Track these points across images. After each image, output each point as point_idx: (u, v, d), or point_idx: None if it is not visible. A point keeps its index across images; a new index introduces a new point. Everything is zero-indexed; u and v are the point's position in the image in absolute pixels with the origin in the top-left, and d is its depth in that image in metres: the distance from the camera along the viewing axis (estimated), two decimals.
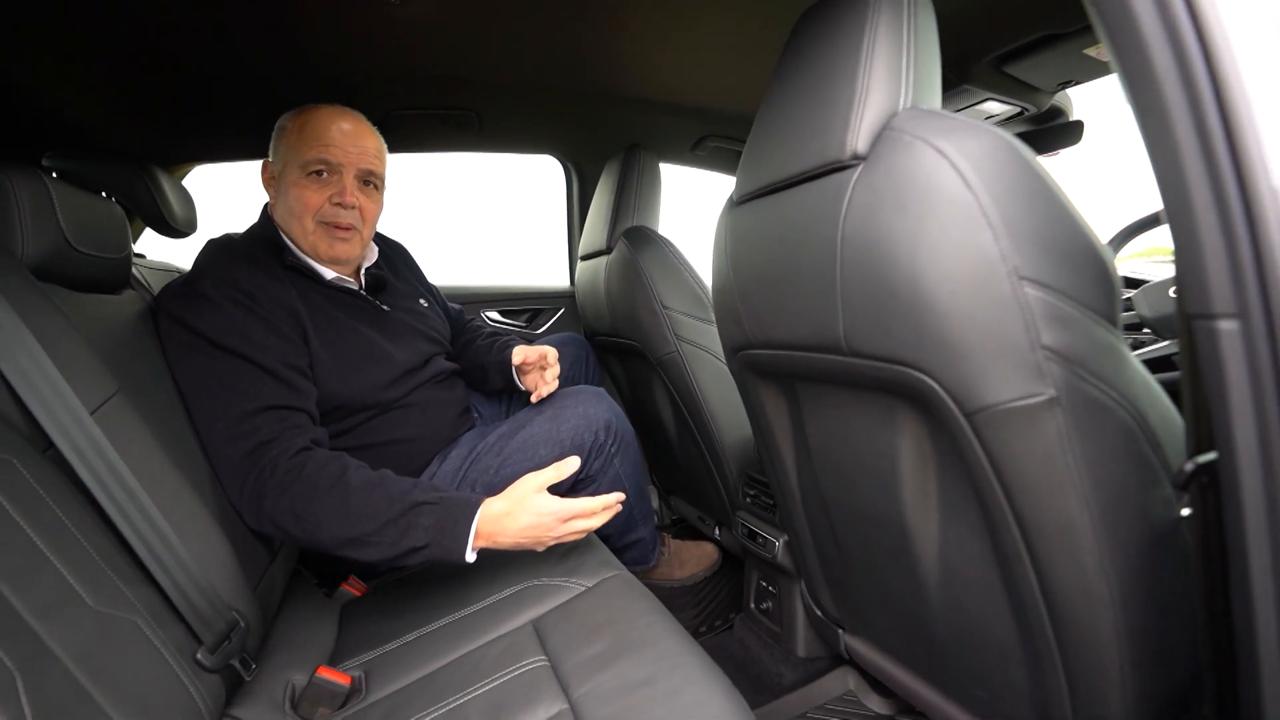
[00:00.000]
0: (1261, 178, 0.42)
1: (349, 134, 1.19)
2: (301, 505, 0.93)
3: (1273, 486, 0.43)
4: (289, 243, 1.20)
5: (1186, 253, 0.46)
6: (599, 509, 1.00)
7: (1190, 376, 0.49)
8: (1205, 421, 0.48)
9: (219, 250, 1.14)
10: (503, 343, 1.46)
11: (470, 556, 0.94)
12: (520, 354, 1.38)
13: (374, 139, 1.24)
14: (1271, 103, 0.43)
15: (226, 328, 1.02)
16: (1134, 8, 0.45)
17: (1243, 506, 0.45)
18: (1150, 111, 0.46)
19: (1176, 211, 0.46)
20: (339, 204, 1.18)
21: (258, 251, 1.16)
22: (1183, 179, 0.45)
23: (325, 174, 1.17)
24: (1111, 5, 0.46)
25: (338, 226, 1.19)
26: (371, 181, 1.24)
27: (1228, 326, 0.44)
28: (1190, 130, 0.44)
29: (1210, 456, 0.48)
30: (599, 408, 1.30)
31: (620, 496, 1.03)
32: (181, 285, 1.07)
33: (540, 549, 0.99)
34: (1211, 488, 0.49)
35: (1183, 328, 0.48)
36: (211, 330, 1.01)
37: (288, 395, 1.03)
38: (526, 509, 0.96)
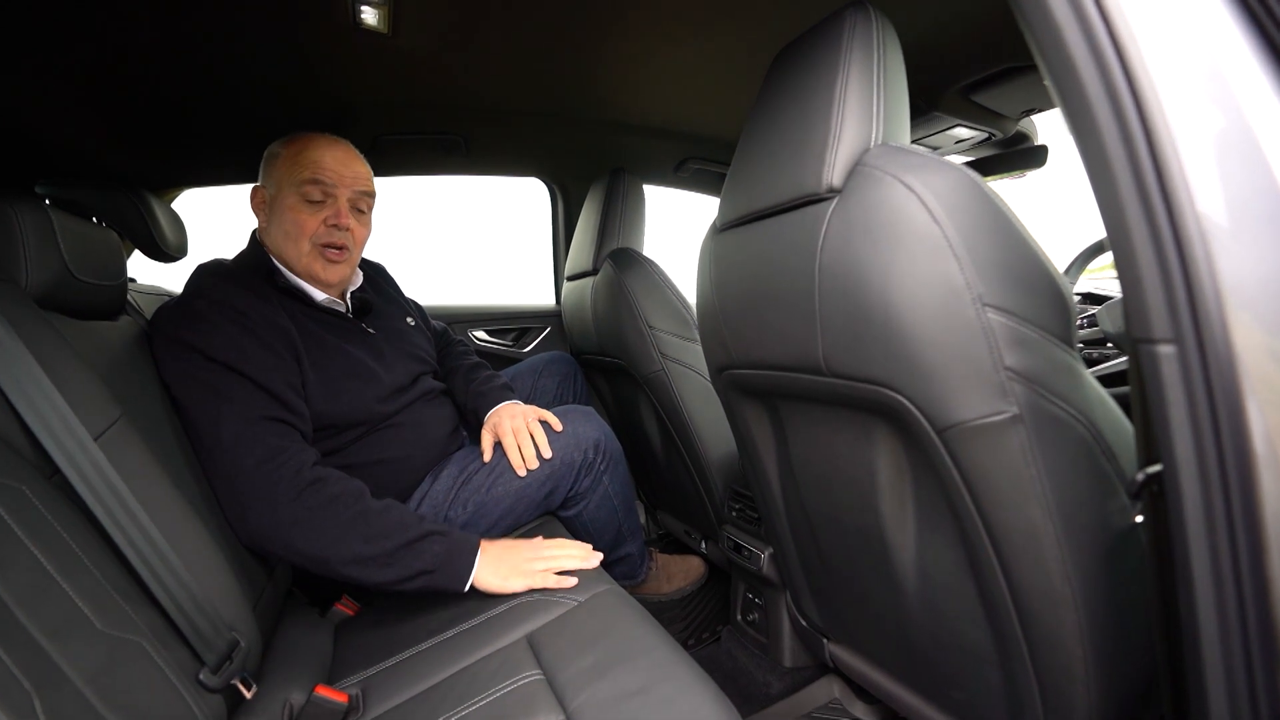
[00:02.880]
0: (1187, 205, 0.47)
1: (341, 159, 1.23)
2: (319, 519, 0.98)
3: (1209, 495, 0.48)
4: (280, 266, 1.23)
5: (1129, 283, 0.50)
6: (574, 548, 1.13)
7: (1138, 394, 0.54)
8: (1153, 434, 0.52)
9: (210, 273, 1.17)
10: (478, 385, 1.44)
11: (468, 585, 1.04)
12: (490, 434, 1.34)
13: (364, 165, 1.29)
14: (1193, 141, 0.48)
15: (222, 344, 1.04)
16: (1076, 62, 0.50)
17: (1184, 514, 0.49)
18: (1092, 153, 0.51)
19: (1119, 245, 0.51)
20: (334, 225, 1.21)
21: (248, 275, 1.19)
22: (1122, 216, 0.49)
23: (320, 197, 1.21)
24: (1057, 57, 0.51)
25: (332, 247, 1.22)
26: (360, 205, 1.27)
27: (1166, 351, 0.48)
28: (1127, 171, 0.49)
29: (1157, 468, 0.52)
30: (589, 427, 1.33)
31: (598, 559, 1.15)
32: (176, 305, 1.10)
33: (516, 581, 1.06)
34: (1161, 496, 0.53)
35: (1130, 350, 0.53)
36: (208, 346, 1.03)
37: (285, 411, 1.06)
38: (512, 545, 1.11)
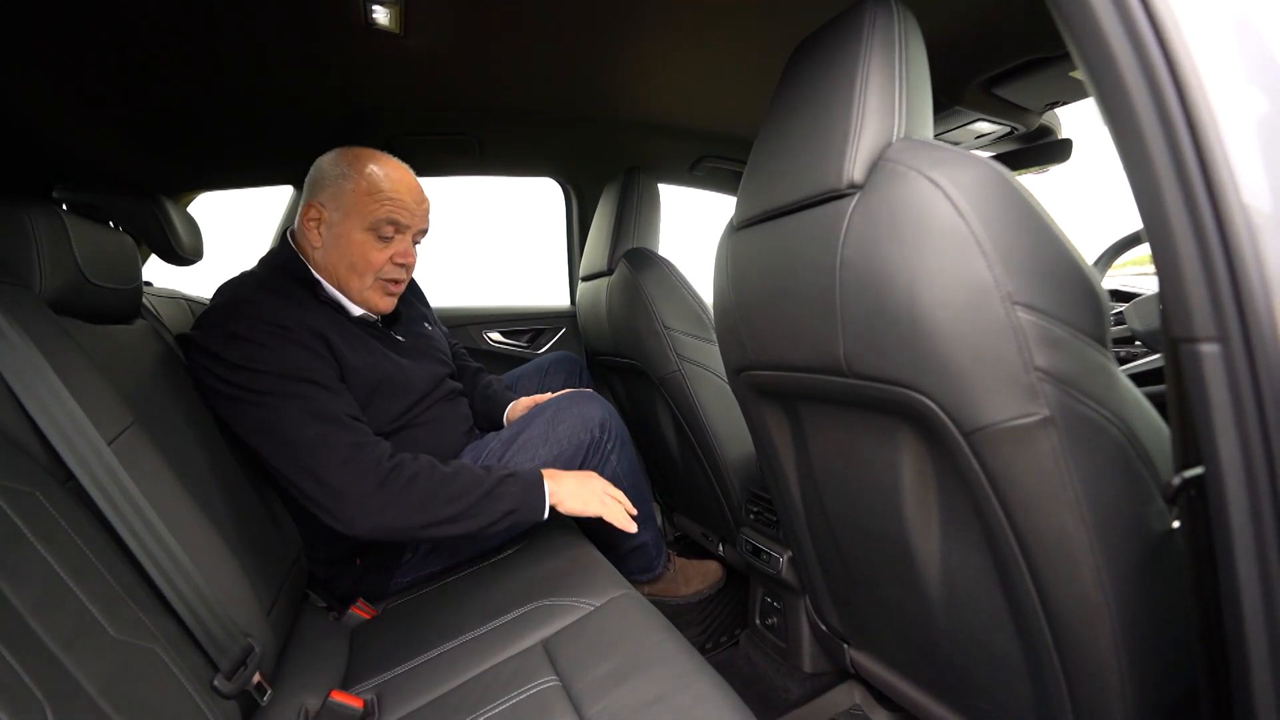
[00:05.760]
0: (1232, 195, 0.44)
1: (416, 195, 1.23)
2: (406, 497, 1.04)
3: (1257, 500, 0.45)
4: (321, 279, 1.22)
5: (1169, 279, 0.48)
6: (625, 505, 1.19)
7: (1176, 394, 0.51)
8: (1191, 437, 0.50)
9: (243, 288, 1.15)
10: (484, 388, 1.58)
11: (545, 513, 1.12)
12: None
13: (428, 197, 1.28)
14: (1237, 127, 0.45)
15: (278, 360, 1.04)
16: (1111, 45, 0.48)
17: (1229, 520, 0.47)
18: (1129, 141, 0.48)
19: (1157, 239, 0.48)
20: (401, 264, 1.22)
21: (285, 284, 1.18)
22: (1161, 208, 0.47)
23: (393, 235, 1.21)
24: (1091, 41, 0.49)
25: (393, 282, 1.23)
26: (419, 238, 1.29)
27: (1209, 349, 0.46)
28: (1167, 160, 0.46)
29: (1197, 471, 0.50)
30: (593, 407, 1.33)
31: (632, 524, 1.18)
32: (216, 329, 1.07)
33: (595, 505, 1.15)
34: (1200, 501, 0.50)
35: (1168, 349, 0.51)
36: (266, 364, 1.03)
37: (349, 405, 1.08)
38: (584, 476, 1.19)
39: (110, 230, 1.03)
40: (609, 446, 1.34)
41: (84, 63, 1.11)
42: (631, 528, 1.17)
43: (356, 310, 1.24)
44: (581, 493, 1.15)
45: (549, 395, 1.45)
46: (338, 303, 1.22)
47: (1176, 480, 0.52)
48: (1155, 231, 0.48)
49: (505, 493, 1.09)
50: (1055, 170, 1.74)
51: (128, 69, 1.17)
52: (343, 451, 1.02)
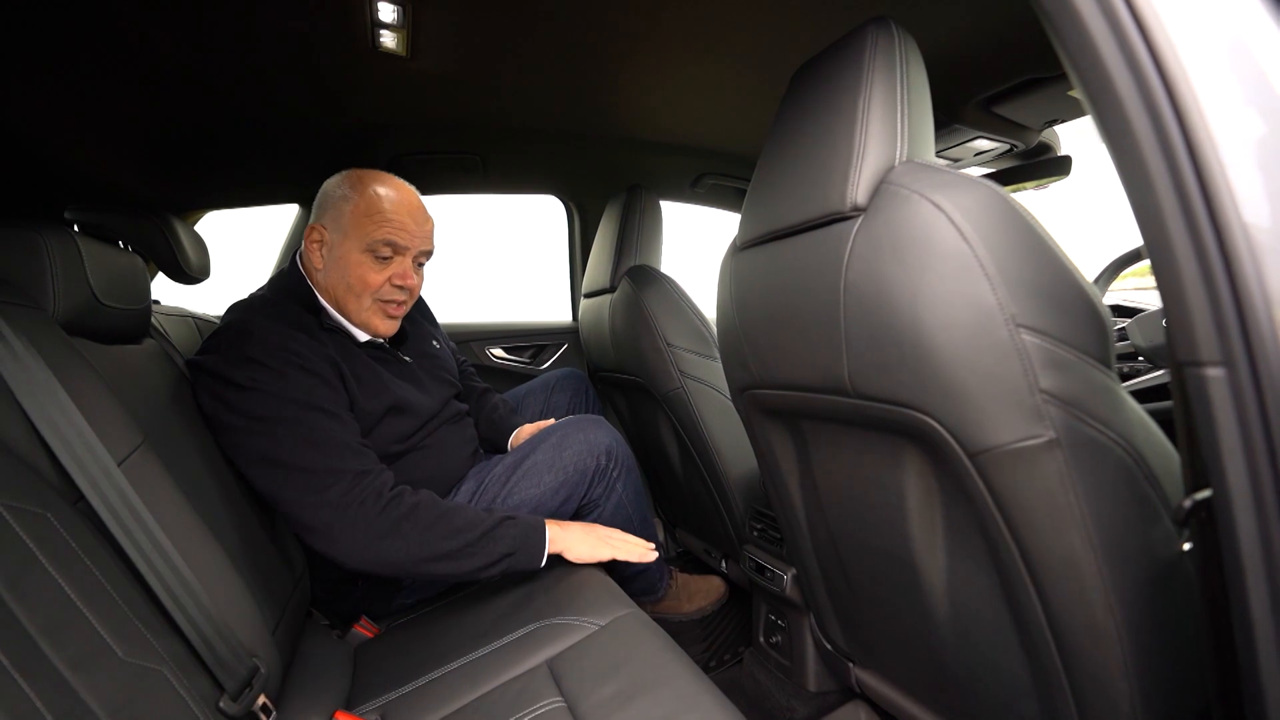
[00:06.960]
0: (1233, 215, 0.45)
1: (417, 216, 1.22)
2: (405, 528, 1.03)
3: (1265, 523, 0.45)
4: (326, 305, 1.22)
5: (1172, 302, 0.48)
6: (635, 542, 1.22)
7: (1183, 417, 0.51)
8: (1199, 459, 0.50)
9: (254, 312, 1.14)
10: (490, 411, 1.58)
11: (543, 560, 1.13)
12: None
13: (432, 219, 1.27)
14: (1235, 148, 0.46)
15: (289, 386, 1.04)
16: (1109, 69, 0.48)
17: (1239, 543, 0.47)
18: (1128, 163, 0.49)
19: (1160, 262, 0.48)
20: (400, 285, 1.21)
21: (294, 310, 1.18)
22: (1164, 232, 0.47)
23: (390, 255, 1.20)
24: (1088, 65, 0.50)
25: (393, 304, 1.23)
26: (421, 259, 1.28)
27: (1215, 373, 0.46)
28: (1167, 182, 0.47)
29: (1206, 494, 0.50)
30: (600, 434, 1.32)
31: (652, 553, 1.22)
32: (224, 352, 1.06)
33: (605, 549, 1.18)
34: (1210, 523, 0.50)
35: (1174, 373, 0.51)
36: (276, 389, 1.03)
37: (354, 434, 1.07)
38: (588, 524, 1.22)
39: (121, 251, 1.04)
40: (614, 474, 1.33)
41: (98, 87, 1.12)
42: (651, 556, 1.20)
43: (362, 336, 1.24)
44: (589, 539, 1.18)
45: (552, 421, 1.45)
46: (344, 329, 1.22)
47: (1186, 503, 0.52)
48: (1158, 255, 0.48)
49: (504, 534, 1.09)
50: (1055, 186, 1.75)
51: (141, 93, 1.18)
52: (345, 480, 1.01)
